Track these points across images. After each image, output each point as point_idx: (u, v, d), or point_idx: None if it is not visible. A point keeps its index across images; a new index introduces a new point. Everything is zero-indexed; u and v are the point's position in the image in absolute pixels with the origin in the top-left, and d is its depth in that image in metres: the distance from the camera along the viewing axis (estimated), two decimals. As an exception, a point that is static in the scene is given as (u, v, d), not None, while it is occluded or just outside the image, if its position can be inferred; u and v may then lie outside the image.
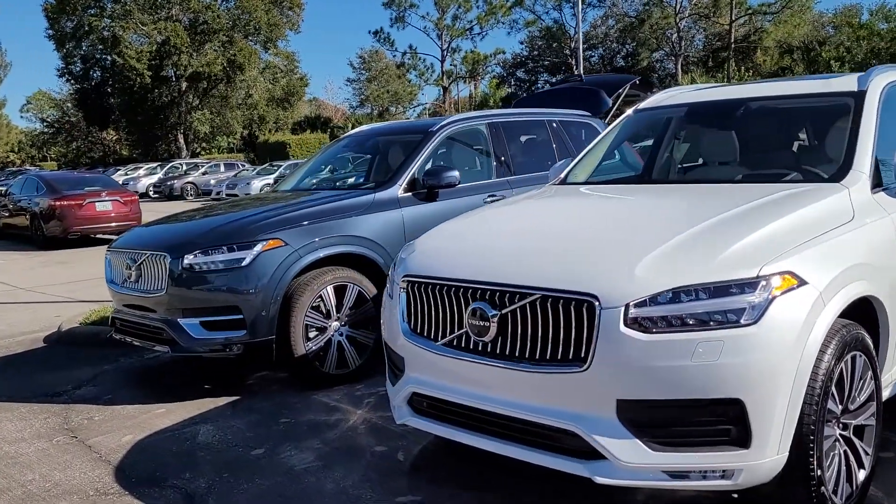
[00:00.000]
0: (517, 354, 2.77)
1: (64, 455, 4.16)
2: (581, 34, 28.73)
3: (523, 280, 2.77)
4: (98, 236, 16.69)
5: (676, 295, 2.54)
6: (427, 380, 3.13)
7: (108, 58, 48.49)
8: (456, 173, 5.55)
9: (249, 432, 4.31)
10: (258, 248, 4.79)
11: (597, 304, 2.57)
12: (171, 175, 37.71)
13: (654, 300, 2.55)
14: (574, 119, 7.10)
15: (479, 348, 2.88)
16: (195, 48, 45.11)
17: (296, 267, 4.87)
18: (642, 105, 4.68)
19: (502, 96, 54.61)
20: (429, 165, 5.79)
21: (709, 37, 48.04)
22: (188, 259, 4.79)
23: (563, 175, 4.45)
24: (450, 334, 3.00)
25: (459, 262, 3.08)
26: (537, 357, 2.72)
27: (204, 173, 36.46)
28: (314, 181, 6.97)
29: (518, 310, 2.76)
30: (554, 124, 6.87)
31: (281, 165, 32.14)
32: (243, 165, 38.56)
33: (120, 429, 4.52)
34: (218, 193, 31.80)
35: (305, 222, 5.02)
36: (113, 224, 16.09)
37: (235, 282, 4.74)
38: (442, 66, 56.62)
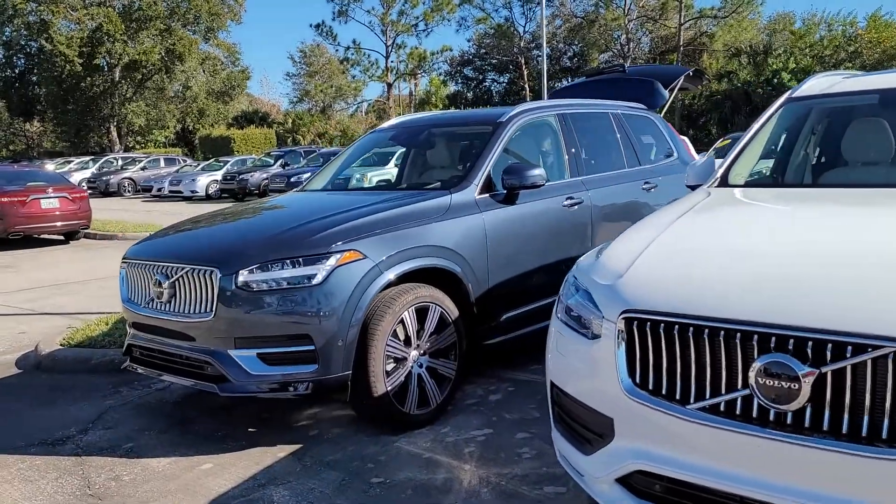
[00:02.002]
0: (846, 431, 1.97)
1: (102, 538, 3.16)
2: (543, 32, 28.18)
3: (861, 325, 1.97)
4: (43, 236, 15.21)
5: None
6: (664, 455, 2.30)
7: (34, 44, 45.57)
8: (542, 171, 4.72)
9: (339, 498, 3.39)
10: (332, 261, 3.85)
11: None
12: (105, 170, 35.56)
13: None
14: (634, 113, 6.37)
15: (774, 419, 2.07)
16: (130, 36, 42.74)
17: (376, 285, 3.96)
18: (799, 93, 3.96)
19: (448, 94, 53.95)
20: (495, 162, 4.93)
21: (654, 40, 48.34)
22: (244, 276, 3.82)
23: (720, 175, 3.68)
24: (713, 396, 2.18)
25: (727, 293, 2.25)
26: (884, 436, 1.92)
27: (143, 168, 34.53)
28: (355, 179, 6.00)
29: (850, 368, 1.96)
30: (618, 118, 6.11)
31: (228, 161, 30.60)
32: (184, 160, 36.75)
33: (164, 495, 3.52)
34: (160, 190, 30.13)
35: (381, 230, 4.12)
36: (59, 223, 14.66)
37: (305, 304, 3.80)
38: (387, 63, 55.45)
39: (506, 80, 51.17)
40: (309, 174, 24.50)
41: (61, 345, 6.00)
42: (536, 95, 45.84)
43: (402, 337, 4.10)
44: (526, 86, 46.79)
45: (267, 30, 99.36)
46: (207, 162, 31.93)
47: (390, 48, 55.28)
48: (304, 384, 3.83)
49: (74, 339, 6.05)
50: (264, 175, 26.52)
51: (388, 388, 3.99)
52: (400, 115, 38.90)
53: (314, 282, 3.81)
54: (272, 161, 28.80)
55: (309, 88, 60.60)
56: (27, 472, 3.85)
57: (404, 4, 53.18)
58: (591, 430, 2.57)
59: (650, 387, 2.33)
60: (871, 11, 43.23)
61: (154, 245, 4.53)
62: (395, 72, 56.66)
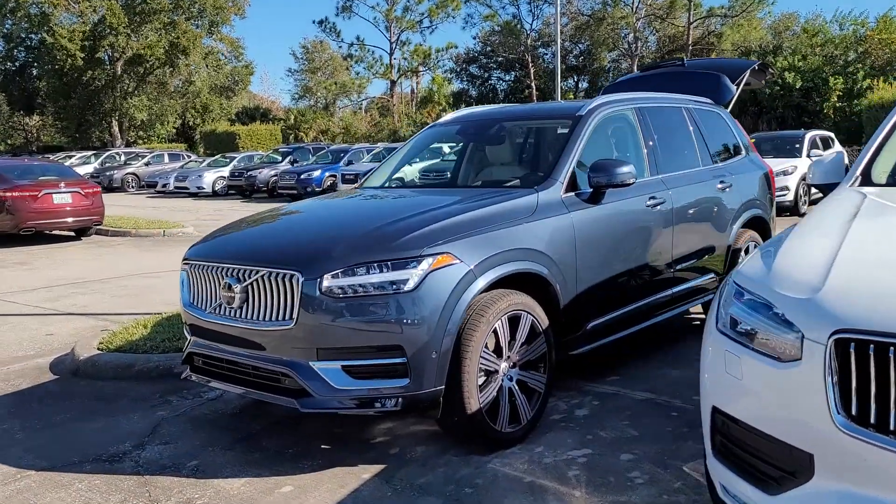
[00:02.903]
0: None
1: (189, 575, 2.81)
2: (558, 29, 27.87)
3: None
4: (54, 232, 14.83)
5: None
6: (885, 501, 1.97)
7: (35, 37, 45.08)
8: (632, 169, 4.38)
9: (446, 530, 3.05)
10: (425, 265, 3.51)
11: None
12: (108, 165, 35.16)
13: None
14: (705, 108, 6.03)
15: None
16: (133, 29, 42.24)
17: (471, 291, 3.61)
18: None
19: (452, 92, 53.44)
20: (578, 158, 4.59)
21: (661, 39, 47.94)
22: (329, 281, 3.47)
23: (860, 173, 3.35)
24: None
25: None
26: None
27: (147, 164, 34.09)
28: (419, 176, 5.64)
29: None
30: (690, 113, 5.78)
31: (234, 157, 30.19)
32: (189, 156, 36.30)
33: (247, 523, 3.18)
34: (165, 186, 29.78)
35: (472, 231, 3.77)
36: (70, 219, 14.26)
37: (397, 312, 3.45)
38: (391, 59, 54.92)
39: (511, 79, 50.72)
40: (319, 170, 24.15)
41: (99, 349, 5.63)
42: (543, 94, 45.51)
43: (492, 348, 3.76)
44: (532, 84, 46.35)
45: (267, 25, 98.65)
46: (213, 158, 31.48)
47: (394, 45, 54.80)
48: (393, 400, 3.49)
49: (113, 344, 5.68)
50: (273, 172, 26.19)
51: (482, 404, 3.65)
52: (403, 112, 38.10)
53: (406, 288, 3.46)
54: (280, 158, 28.43)
55: (311, 85, 60.13)
56: (88, 494, 3.50)
57: (409, 0, 52.73)
58: (776, 466, 2.23)
59: (872, 421, 1.99)
60: (882, 12, 42.81)
61: (221, 244, 4.17)
62: (398, 69, 56.19)
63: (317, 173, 24.14)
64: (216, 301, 3.85)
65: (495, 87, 51.29)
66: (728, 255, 5.68)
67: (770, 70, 6.93)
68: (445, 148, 7.15)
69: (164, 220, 17.20)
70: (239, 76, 48.70)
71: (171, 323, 6.16)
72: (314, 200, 5.12)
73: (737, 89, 6.46)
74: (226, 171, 28.41)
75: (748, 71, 6.66)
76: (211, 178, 28.38)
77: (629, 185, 4.40)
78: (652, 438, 3.88)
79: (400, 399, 3.48)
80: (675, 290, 5.17)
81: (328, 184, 23.92)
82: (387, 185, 5.28)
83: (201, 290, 3.98)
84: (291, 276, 3.52)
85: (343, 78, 58.06)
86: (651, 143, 5.16)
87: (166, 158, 35.18)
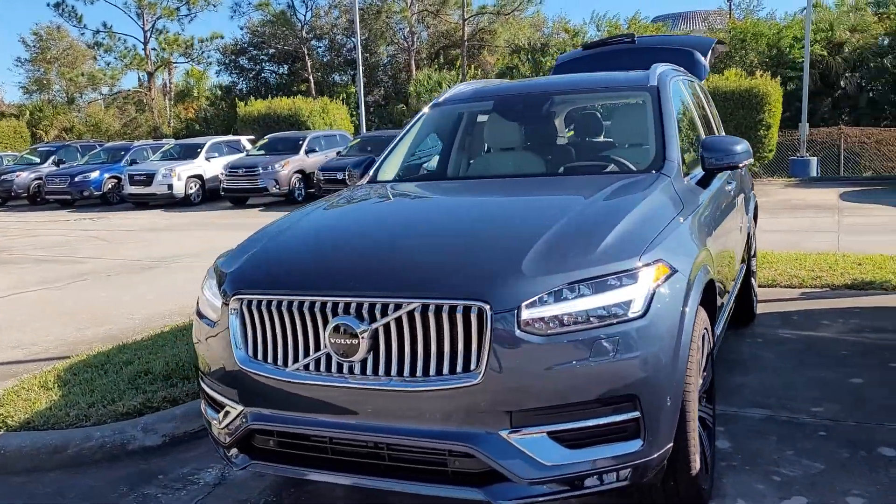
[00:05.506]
0: None
1: None
2: (356, 17, 26.70)
3: None
4: None
5: None
6: None
7: None
8: (747, 146, 3.68)
9: None
10: (646, 279, 2.50)
11: None
12: None
13: None
14: (700, 84, 5.51)
15: None
16: None
17: (692, 309, 2.67)
18: None
19: (222, 85, 50.03)
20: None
21: (433, 35, 48.50)
22: (527, 312, 2.35)
23: None
24: None
25: None
26: None
27: None
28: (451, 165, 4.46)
29: None
30: (701, 89, 5.23)
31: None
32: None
33: None
34: None
35: (663, 232, 2.82)
36: None
37: (625, 347, 2.40)
38: (146, 49, 50.10)
39: (285, 72, 48.36)
40: (97, 171, 20.96)
41: (12, 427, 3.82)
42: (320, 87, 44.16)
43: (686, 381, 2.85)
44: (310, 77, 44.62)
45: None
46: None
47: (149, 33, 50.18)
48: (617, 472, 2.45)
49: (13, 417, 3.89)
50: (35, 175, 22.54)
51: (700, 458, 2.74)
52: (164, 106, 34.42)
53: (632, 313, 2.44)
54: (39, 159, 24.44)
55: (47, 77, 53.28)
56: None
57: (164, -15, 48.50)
58: None
59: None
60: (630, 14, 46.83)
61: (303, 263, 2.78)
62: (155, 60, 51.56)
63: (94, 175, 21.08)
64: (313, 352, 2.53)
65: (268, 81, 48.76)
66: (746, 244, 5.22)
67: (724, 47, 6.61)
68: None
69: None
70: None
71: (81, 378, 4.43)
72: (359, 198, 3.73)
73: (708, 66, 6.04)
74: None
75: (711, 49, 6.26)
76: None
77: (742, 166, 3.70)
78: (842, 469, 3.22)
79: (629, 470, 2.46)
80: (738, 283, 4.59)
81: (109, 186, 20.98)
82: (421, 177, 4.08)
83: (277, 336, 2.60)
84: (469, 307, 2.34)
85: (90, 69, 52.12)
86: (703, 118, 4.53)
87: None
